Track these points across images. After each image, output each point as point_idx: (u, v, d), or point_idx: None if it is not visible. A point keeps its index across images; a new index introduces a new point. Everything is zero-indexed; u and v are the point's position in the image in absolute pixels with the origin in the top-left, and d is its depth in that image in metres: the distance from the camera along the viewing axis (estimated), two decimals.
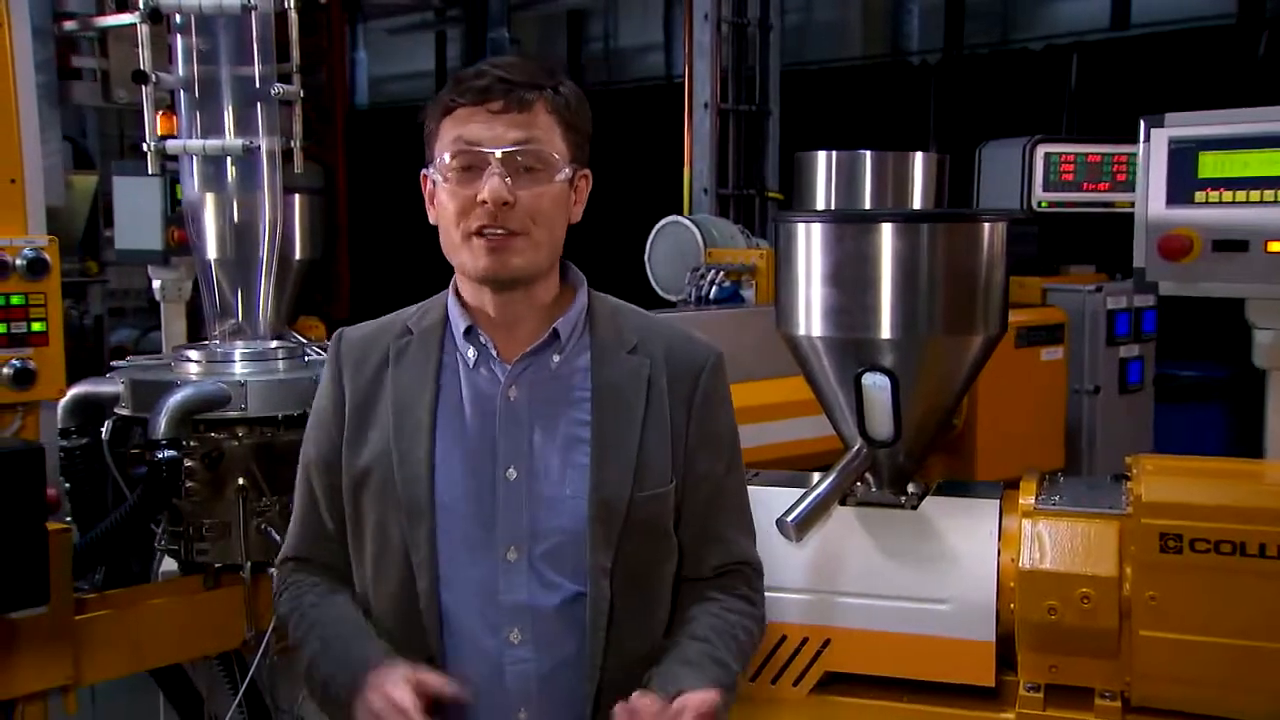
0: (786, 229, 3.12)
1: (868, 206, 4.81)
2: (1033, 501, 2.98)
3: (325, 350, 4.61)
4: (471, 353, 1.97)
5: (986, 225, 3.04)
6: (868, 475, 3.16)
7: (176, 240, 4.92)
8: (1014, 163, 5.56)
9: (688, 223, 5.39)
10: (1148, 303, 5.62)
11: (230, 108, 3.44)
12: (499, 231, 1.87)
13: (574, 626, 1.93)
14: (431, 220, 1.99)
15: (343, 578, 2.05)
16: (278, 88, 3.47)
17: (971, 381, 3.17)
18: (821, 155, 4.87)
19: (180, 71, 3.42)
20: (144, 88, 3.37)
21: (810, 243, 3.07)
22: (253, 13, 3.36)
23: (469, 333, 1.97)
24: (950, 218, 3.08)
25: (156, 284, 5.24)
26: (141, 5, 3.32)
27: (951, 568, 3.01)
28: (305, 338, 5.28)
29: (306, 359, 3.67)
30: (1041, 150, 5.54)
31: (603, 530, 1.91)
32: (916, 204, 4.80)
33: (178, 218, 4.59)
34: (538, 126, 1.89)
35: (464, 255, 1.91)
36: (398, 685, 1.80)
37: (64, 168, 8.64)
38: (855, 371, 3.01)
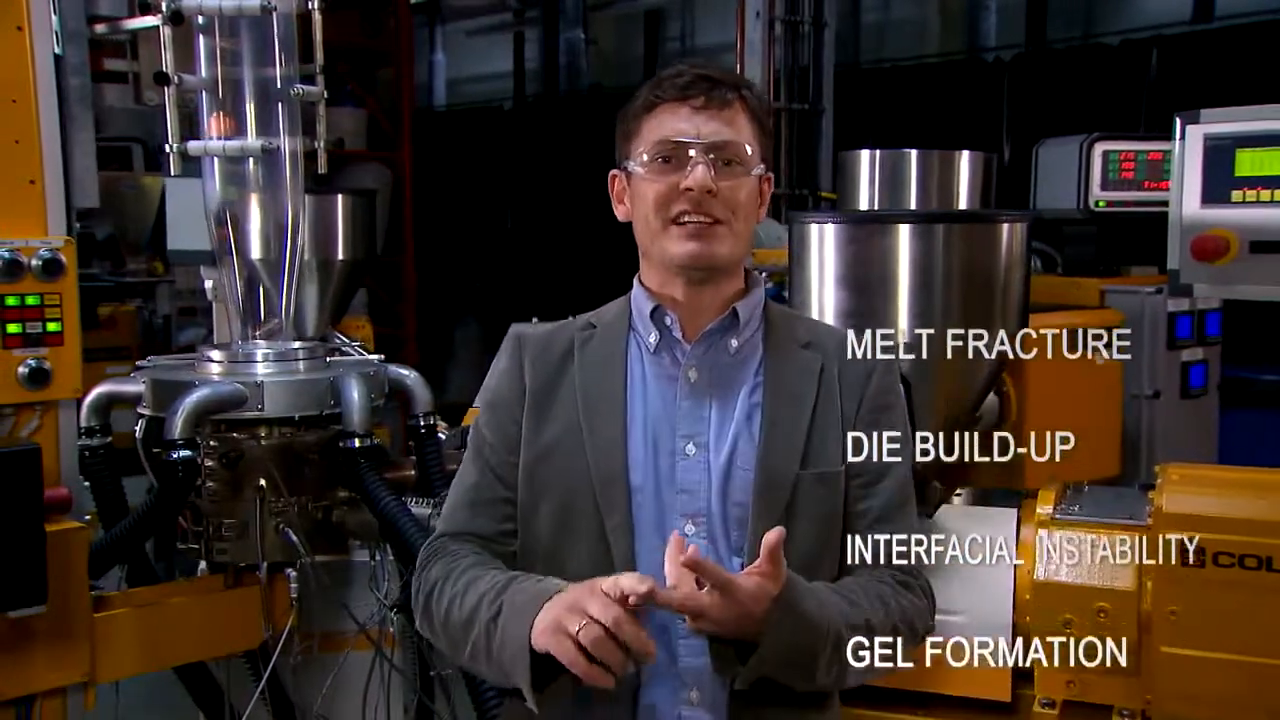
0: (799, 230, 3.07)
1: (913, 206, 4.70)
2: (1050, 511, 2.89)
3: (367, 350, 4.64)
4: (654, 337, 2.02)
5: (1004, 226, 2.97)
6: None
7: (223, 239, 4.95)
8: (1071, 161, 5.41)
9: None
10: (1211, 305, 5.43)
11: (252, 109, 3.45)
12: (703, 219, 1.93)
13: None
14: (621, 217, 2.06)
15: (495, 554, 2.05)
16: (298, 88, 3.47)
17: (990, 386, 3.09)
18: (865, 154, 4.75)
19: (203, 73, 3.44)
20: (166, 89, 3.39)
21: (823, 244, 3.01)
22: (273, 14, 3.36)
23: (655, 313, 2.02)
24: (966, 219, 3.00)
25: (208, 284, 5.27)
26: (164, 7, 3.34)
27: (966, 578, 2.93)
28: (350, 338, 5.30)
29: (329, 360, 3.66)
30: (1099, 148, 5.37)
31: (766, 502, 1.95)
32: (962, 204, 4.68)
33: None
34: (736, 124, 1.96)
35: (665, 242, 1.96)
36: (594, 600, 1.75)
37: (137, 170, 8.84)
38: None
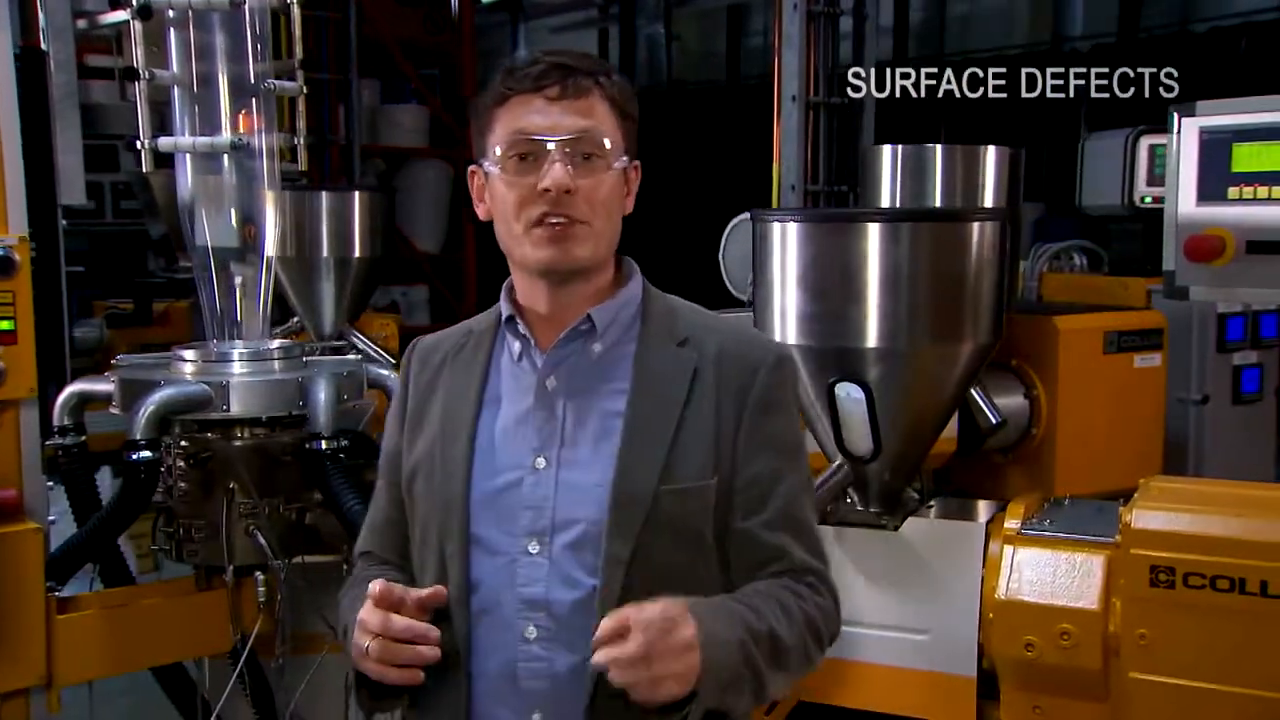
0: (762, 228, 2.93)
1: (937, 204, 4.53)
2: (1017, 526, 2.73)
3: (383, 349, 4.58)
4: (516, 346, 1.94)
5: (975, 225, 2.82)
6: (852, 492, 2.95)
7: (251, 237, 4.95)
8: (1116, 156, 5.19)
9: None
10: (1268, 306, 5.17)
11: (225, 105, 3.41)
12: (561, 220, 1.82)
13: (593, 625, 1.79)
14: (482, 216, 1.95)
15: (401, 571, 2.02)
16: (271, 83, 3.41)
17: (964, 392, 2.93)
18: (887, 149, 4.59)
19: (174, 68, 3.40)
20: (137, 84, 3.36)
21: (786, 244, 2.88)
22: (244, 7, 3.31)
23: (509, 322, 1.94)
24: (934, 217, 2.85)
25: (237, 280, 5.27)
26: (133, 2, 3.30)
27: (932, 596, 2.79)
28: (372, 336, 5.27)
29: (306, 360, 3.61)
30: (1145, 142, 5.15)
31: (621, 520, 1.82)
32: (988, 201, 4.49)
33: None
34: (594, 114, 1.85)
35: (525, 247, 1.86)
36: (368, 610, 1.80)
37: None
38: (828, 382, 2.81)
